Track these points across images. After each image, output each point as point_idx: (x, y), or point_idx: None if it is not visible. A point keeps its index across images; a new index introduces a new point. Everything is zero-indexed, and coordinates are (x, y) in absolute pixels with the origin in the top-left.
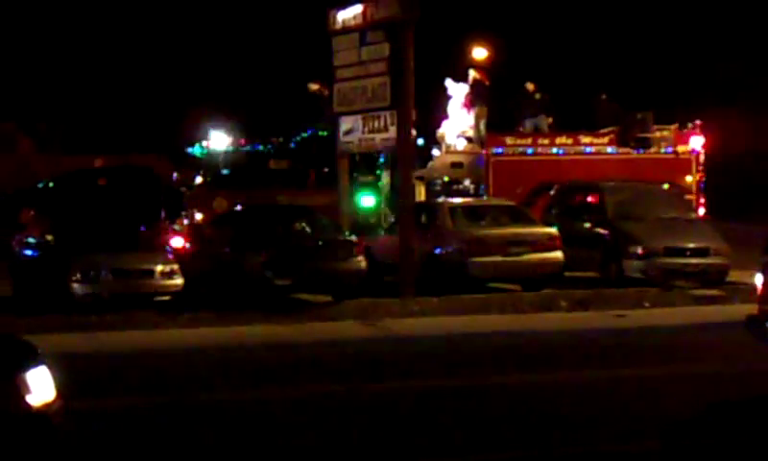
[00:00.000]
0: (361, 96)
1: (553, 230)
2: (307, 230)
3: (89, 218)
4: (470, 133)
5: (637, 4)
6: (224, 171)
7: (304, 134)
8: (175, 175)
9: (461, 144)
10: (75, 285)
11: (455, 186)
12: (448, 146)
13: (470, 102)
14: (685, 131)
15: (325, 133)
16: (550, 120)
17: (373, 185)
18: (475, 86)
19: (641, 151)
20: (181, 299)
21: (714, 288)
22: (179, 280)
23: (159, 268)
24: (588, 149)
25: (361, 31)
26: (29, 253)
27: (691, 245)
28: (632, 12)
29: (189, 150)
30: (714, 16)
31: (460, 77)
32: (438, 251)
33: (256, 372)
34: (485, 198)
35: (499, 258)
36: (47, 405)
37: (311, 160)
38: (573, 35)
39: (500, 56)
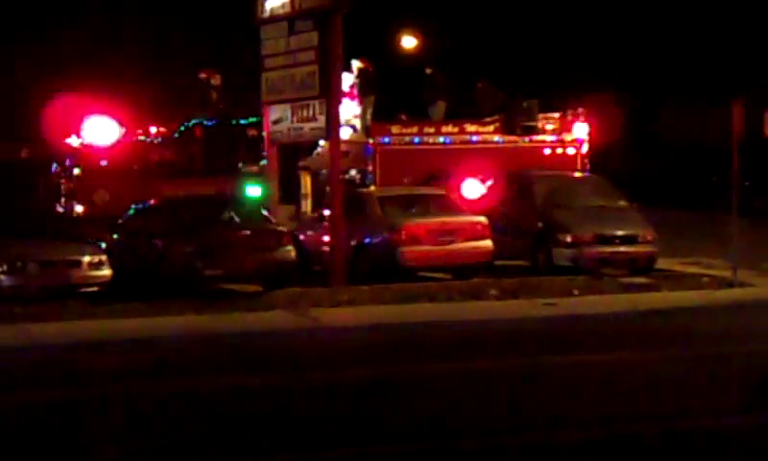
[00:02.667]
0: (290, 85)
1: (483, 218)
2: (236, 219)
3: None
4: (355, 122)
5: None
6: (103, 163)
7: (188, 124)
8: (54, 166)
9: (346, 133)
10: (1, 277)
11: (341, 176)
12: None
13: (358, 92)
14: (570, 118)
15: (211, 123)
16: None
17: (258, 175)
18: (361, 76)
19: (528, 140)
20: (111, 290)
21: (643, 276)
22: (107, 271)
23: (87, 259)
24: (475, 137)
25: (289, 19)
26: None
27: (620, 233)
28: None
29: (68, 140)
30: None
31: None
32: (368, 240)
33: (184, 363)
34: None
35: (429, 247)
36: None
37: (196, 150)
38: (463, 19)
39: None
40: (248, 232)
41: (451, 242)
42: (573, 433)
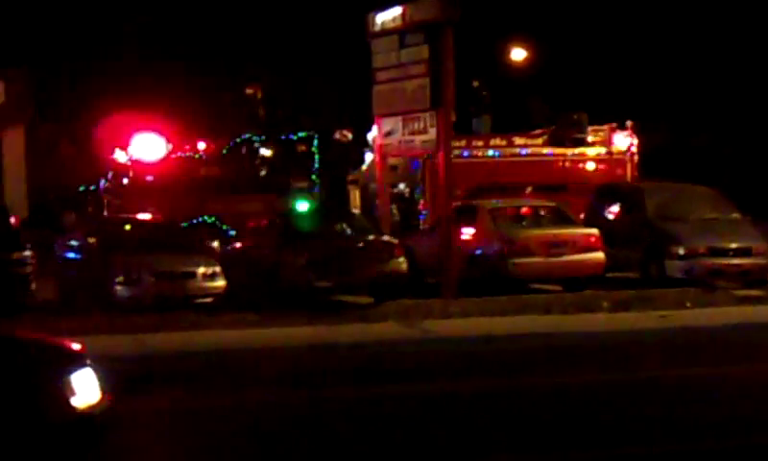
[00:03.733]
0: (400, 98)
1: (594, 230)
2: (348, 231)
3: None
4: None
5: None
6: (149, 178)
7: (237, 140)
8: (102, 182)
9: None
10: (118, 288)
11: (390, 190)
12: None
13: None
14: (619, 130)
15: (259, 139)
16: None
17: (308, 191)
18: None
19: (577, 152)
20: (225, 301)
21: (757, 288)
22: (221, 282)
23: (201, 270)
24: (524, 150)
25: (400, 33)
26: (72, 255)
27: (734, 245)
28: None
29: (114, 156)
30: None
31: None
32: (479, 252)
33: (296, 373)
34: (421, 202)
35: (541, 259)
36: (92, 407)
37: (245, 166)
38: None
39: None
40: (360, 244)
41: (563, 254)
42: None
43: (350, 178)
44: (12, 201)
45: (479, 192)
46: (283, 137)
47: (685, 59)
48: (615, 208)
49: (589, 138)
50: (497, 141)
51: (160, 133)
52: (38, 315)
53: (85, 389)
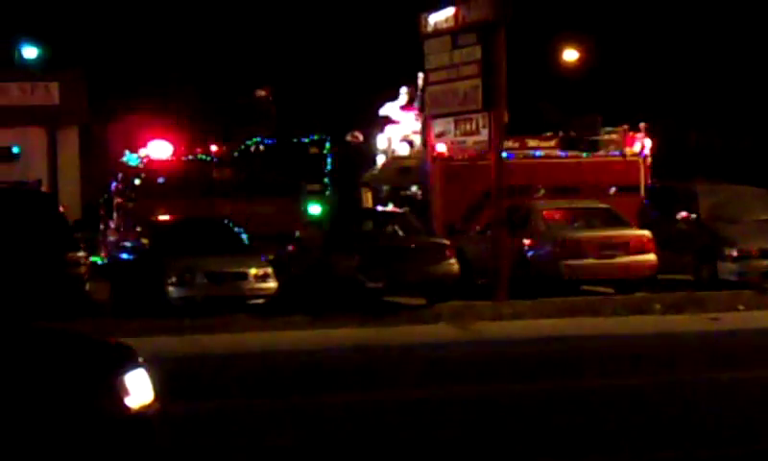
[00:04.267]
0: (453, 99)
1: (647, 232)
2: (399, 233)
3: None
4: (414, 137)
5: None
6: (160, 180)
7: (249, 142)
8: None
9: (404, 149)
10: (170, 288)
11: (402, 193)
12: (393, 151)
13: (420, 106)
14: (633, 133)
15: (271, 141)
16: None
17: (320, 194)
18: (425, 90)
19: (591, 154)
20: (277, 302)
21: None
22: (273, 284)
23: (253, 271)
24: (538, 152)
25: (453, 33)
26: (125, 256)
27: None
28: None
29: (124, 158)
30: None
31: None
32: (530, 253)
33: (347, 375)
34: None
35: (592, 261)
36: (145, 408)
37: (257, 168)
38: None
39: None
40: (411, 245)
41: (615, 255)
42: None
43: (363, 179)
44: (67, 201)
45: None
46: (295, 140)
47: (720, 59)
48: (683, 214)
49: (603, 140)
50: (510, 143)
51: (170, 136)
52: (92, 315)
53: (139, 389)
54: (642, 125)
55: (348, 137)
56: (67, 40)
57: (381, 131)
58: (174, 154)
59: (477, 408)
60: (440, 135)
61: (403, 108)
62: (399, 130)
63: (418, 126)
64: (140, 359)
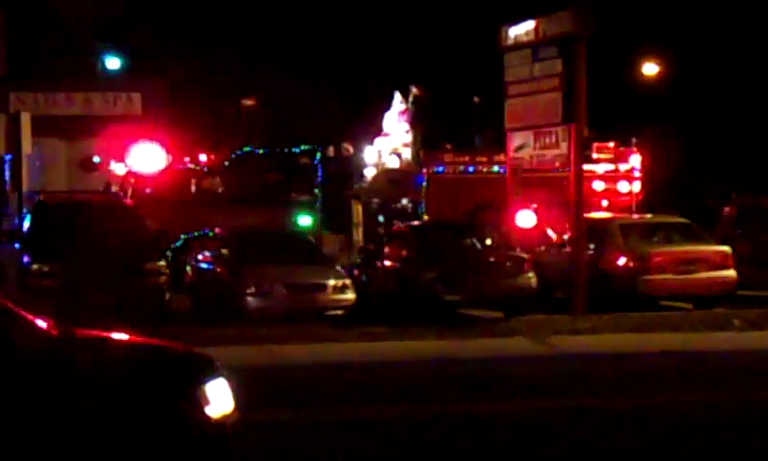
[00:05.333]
0: (533, 112)
1: (726, 248)
2: (477, 246)
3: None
4: (403, 150)
5: None
6: (148, 191)
7: (239, 152)
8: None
9: (393, 162)
10: (249, 299)
11: (393, 205)
12: (383, 164)
13: (411, 119)
14: (624, 148)
15: (261, 151)
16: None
17: (310, 204)
18: (416, 103)
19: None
20: (355, 313)
21: None
22: (351, 295)
23: (332, 282)
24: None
25: (533, 46)
26: (205, 266)
27: None
28: None
29: (112, 168)
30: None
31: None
32: (608, 268)
33: (423, 388)
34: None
35: (671, 276)
36: (225, 417)
37: (247, 178)
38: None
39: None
40: (489, 259)
41: (694, 271)
42: None
43: (353, 192)
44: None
45: (485, 208)
46: (285, 150)
47: None
48: None
49: (594, 156)
50: (502, 157)
51: (160, 144)
52: (172, 325)
53: (219, 399)
54: (633, 140)
55: (337, 150)
56: (150, 51)
57: (371, 143)
58: (162, 163)
59: (555, 423)
60: (518, 149)
61: (406, 121)
62: (389, 142)
63: (408, 138)
64: (220, 369)
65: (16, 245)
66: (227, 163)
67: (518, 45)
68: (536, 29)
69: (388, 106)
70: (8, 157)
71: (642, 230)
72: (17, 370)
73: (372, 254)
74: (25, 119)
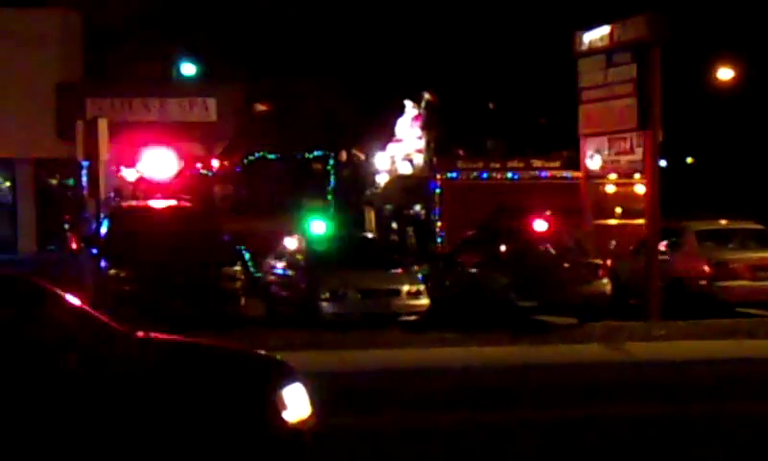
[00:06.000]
0: (607, 118)
1: None
2: (552, 251)
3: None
4: (415, 156)
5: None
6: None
7: (251, 158)
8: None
9: (406, 168)
10: (324, 304)
11: (405, 212)
12: (395, 169)
13: (424, 124)
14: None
15: (274, 157)
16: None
17: (323, 210)
18: (428, 108)
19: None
20: (428, 318)
21: None
22: (425, 300)
23: (406, 288)
24: (544, 173)
25: (608, 52)
26: (280, 272)
27: None
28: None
29: (122, 173)
30: None
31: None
32: (683, 274)
33: (498, 393)
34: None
35: (748, 282)
36: (302, 422)
37: (259, 184)
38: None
39: None
40: (564, 264)
41: None
42: None
43: (366, 198)
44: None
45: (498, 215)
46: (298, 156)
47: None
48: None
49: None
50: (516, 163)
51: (172, 149)
52: (247, 330)
53: (296, 404)
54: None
55: (350, 156)
56: (225, 57)
57: (383, 149)
58: (174, 168)
59: (630, 429)
60: (593, 155)
61: (419, 126)
62: (402, 148)
63: (420, 144)
64: (297, 374)
65: (94, 250)
66: (238, 169)
67: (593, 51)
68: (610, 34)
69: (401, 111)
70: (85, 164)
71: (718, 235)
72: (105, 375)
73: (445, 259)
74: (102, 125)
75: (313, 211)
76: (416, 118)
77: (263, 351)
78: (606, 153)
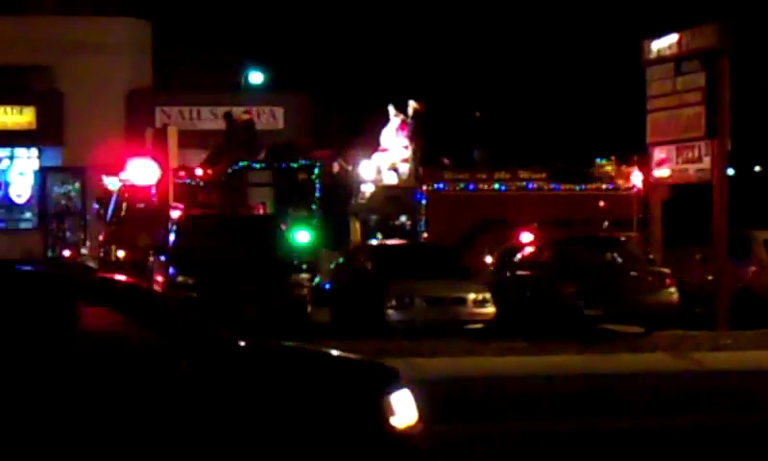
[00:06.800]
0: (675, 126)
1: None
2: (619, 260)
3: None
4: (401, 166)
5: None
6: (141, 205)
7: (236, 167)
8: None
9: (391, 178)
10: (390, 312)
11: (391, 222)
12: (380, 179)
13: (411, 134)
14: (626, 165)
15: (258, 165)
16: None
17: (308, 220)
18: (416, 118)
19: (583, 187)
20: (494, 327)
21: None
22: (491, 309)
23: (472, 296)
24: (531, 185)
25: (676, 60)
26: (347, 279)
27: None
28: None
29: (104, 181)
30: None
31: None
32: (751, 283)
33: (565, 401)
34: (424, 234)
35: None
36: (410, 428)
37: (244, 193)
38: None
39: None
40: (631, 273)
41: None
42: None
43: (351, 209)
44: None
45: (484, 227)
46: (284, 165)
47: None
48: None
49: (596, 173)
50: (502, 175)
51: (154, 158)
52: (313, 338)
53: (404, 410)
54: (635, 158)
55: (336, 166)
56: (292, 66)
57: (368, 158)
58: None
59: (698, 439)
60: (661, 163)
61: (405, 136)
62: (388, 157)
63: (406, 153)
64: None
65: (163, 257)
66: (223, 178)
67: (661, 59)
68: (678, 42)
69: (386, 121)
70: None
71: None
72: (219, 379)
73: (512, 267)
74: (171, 133)
75: (298, 221)
76: (401, 127)
77: (371, 358)
78: (674, 161)
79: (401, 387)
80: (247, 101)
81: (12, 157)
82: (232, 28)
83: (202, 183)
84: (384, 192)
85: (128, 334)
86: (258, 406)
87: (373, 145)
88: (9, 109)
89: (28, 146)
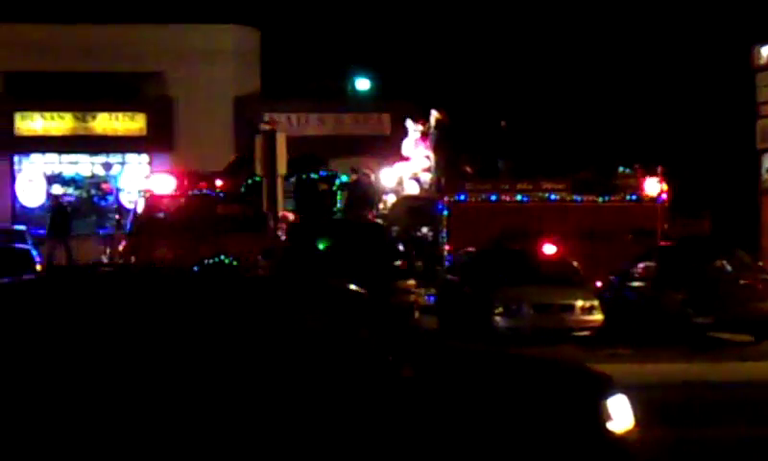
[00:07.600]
0: None
1: None
2: (727, 268)
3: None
4: (422, 175)
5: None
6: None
7: (256, 178)
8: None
9: (413, 187)
10: (497, 319)
11: (413, 233)
12: (402, 189)
13: (433, 144)
14: (648, 176)
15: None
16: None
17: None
18: (438, 128)
19: (607, 198)
20: (601, 334)
21: None
22: (598, 316)
23: (580, 303)
24: (553, 196)
25: None
26: (451, 286)
27: None
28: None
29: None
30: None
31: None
32: None
33: (672, 410)
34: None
35: None
36: (627, 433)
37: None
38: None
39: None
40: (741, 281)
41: None
42: None
43: (373, 216)
44: None
45: (506, 237)
46: (304, 176)
47: None
48: None
49: (619, 184)
50: (524, 185)
51: (172, 172)
52: None
53: (620, 414)
54: (659, 169)
55: (358, 174)
56: (398, 73)
57: (390, 168)
58: (177, 188)
59: None
60: None
61: (418, 140)
62: (409, 167)
63: (427, 163)
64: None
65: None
66: (243, 189)
67: None
68: None
69: (406, 131)
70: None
71: None
72: (444, 387)
73: (620, 275)
74: (280, 139)
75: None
76: (421, 139)
77: (583, 364)
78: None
79: (617, 392)
80: (354, 107)
81: (123, 164)
82: (339, 35)
83: (221, 195)
84: (405, 202)
85: (351, 340)
86: (483, 411)
87: (395, 155)
88: (120, 115)
89: (139, 152)
